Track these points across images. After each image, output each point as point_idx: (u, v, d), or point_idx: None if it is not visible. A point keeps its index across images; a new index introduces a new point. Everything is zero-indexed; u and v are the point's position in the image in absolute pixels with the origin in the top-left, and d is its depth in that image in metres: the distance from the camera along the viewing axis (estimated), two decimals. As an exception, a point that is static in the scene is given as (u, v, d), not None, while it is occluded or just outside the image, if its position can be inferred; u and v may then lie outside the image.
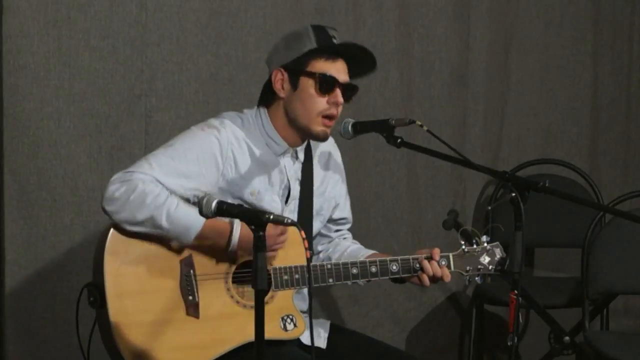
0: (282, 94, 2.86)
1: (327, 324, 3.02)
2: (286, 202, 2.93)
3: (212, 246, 2.73)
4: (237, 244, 2.72)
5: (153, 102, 3.77)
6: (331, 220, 3.10)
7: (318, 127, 2.85)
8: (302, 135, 2.90)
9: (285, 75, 2.85)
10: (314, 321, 2.66)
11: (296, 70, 2.83)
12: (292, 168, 2.94)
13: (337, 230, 3.14)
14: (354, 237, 3.19)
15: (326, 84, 2.82)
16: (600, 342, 3.75)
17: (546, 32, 4.65)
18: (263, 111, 2.91)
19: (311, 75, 2.82)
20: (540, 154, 4.66)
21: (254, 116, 2.92)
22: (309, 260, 2.43)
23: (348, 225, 3.17)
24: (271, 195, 2.88)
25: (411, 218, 4.37)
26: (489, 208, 4.25)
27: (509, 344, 2.62)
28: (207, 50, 3.86)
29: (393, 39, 4.24)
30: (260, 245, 2.34)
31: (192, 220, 2.67)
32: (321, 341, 2.94)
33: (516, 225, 2.58)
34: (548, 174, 4.51)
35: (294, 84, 2.84)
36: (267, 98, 2.91)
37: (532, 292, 3.98)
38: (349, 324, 4.18)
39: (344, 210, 3.12)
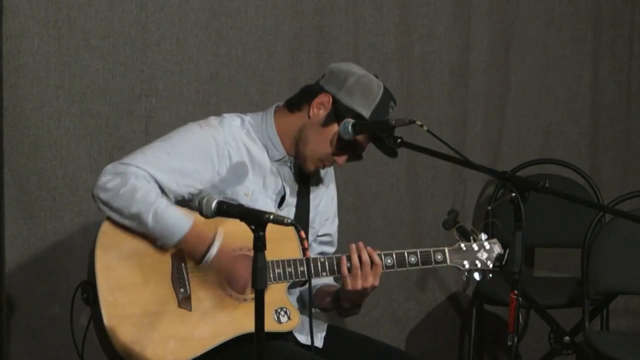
0: (310, 114, 2.84)
1: (325, 325, 3.01)
2: (279, 206, 2.92)
3: (189, 253, 2.72)
4: (211, 261, 2.69)
5: (153, 102, 3.77)
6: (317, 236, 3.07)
7: (311, 165, 2.87)
8: (297, 155, 2.89)
9: (330, 107, 2.83)
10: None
11: (338, 114, 2.82)
12: (287, 174, 2.92)
13: (320, 253, 3.05)
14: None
15: (344, 147, 2.84)
16: (600, 342, 3.75)
17: (546, 32, 4.65)
18: (271, 113, 2.90)
19: None
20: (540, 154, 4.66)
21: (260, 120, 2.90)
22: (308, 260, 2.44)
23: (332, 249, 3.10)
24: (264, 198, 2.87)
25: (411, 218, 4.37)
26: (489, 208, 4.25)
27: (509, 344, 2.61)
28: (207, 50, 3.85)
29: (393, 39, 4.24)
30: (260, 245, 2.33)
31: (178, 225, 2.66)
32: (318, 340, 2.92)
33: (516, 225, 2.57)
34: (548, 174, 4.51)
35: (326, 121, 2.83)
36: (298, 104, 2.88)
37: (532, 292, 3.99)
38: (348, 324, 4.17)
39: (331, 228, 3.09)
